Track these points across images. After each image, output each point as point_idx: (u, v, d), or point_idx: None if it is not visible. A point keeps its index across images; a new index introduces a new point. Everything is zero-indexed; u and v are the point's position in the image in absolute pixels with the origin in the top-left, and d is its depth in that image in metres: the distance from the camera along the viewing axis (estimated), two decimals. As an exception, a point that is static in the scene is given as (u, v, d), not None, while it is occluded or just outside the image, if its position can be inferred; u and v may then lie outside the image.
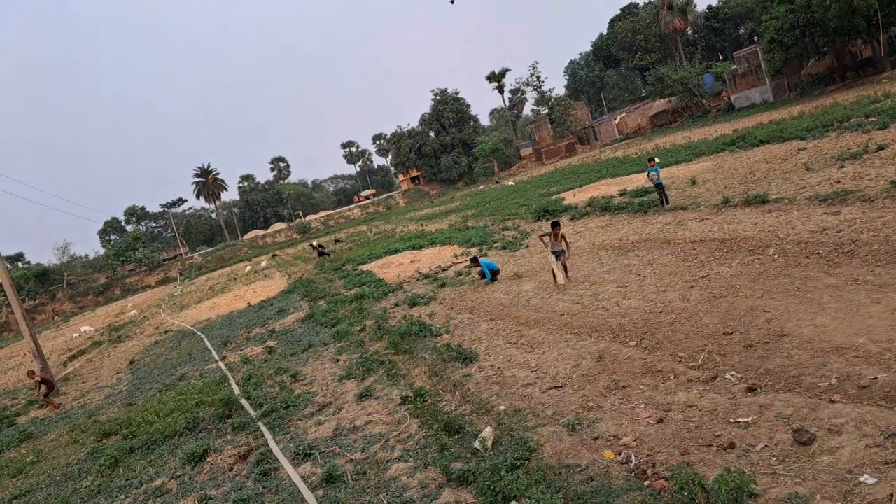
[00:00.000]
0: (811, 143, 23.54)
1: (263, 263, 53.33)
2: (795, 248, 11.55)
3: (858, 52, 51.25)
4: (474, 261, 17.53)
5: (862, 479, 4.94)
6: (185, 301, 44.11)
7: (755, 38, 60.95)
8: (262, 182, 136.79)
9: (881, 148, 18.24)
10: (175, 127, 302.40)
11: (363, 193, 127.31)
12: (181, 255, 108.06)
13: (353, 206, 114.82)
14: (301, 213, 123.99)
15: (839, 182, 15.61)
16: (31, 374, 19.43)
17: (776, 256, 11.50)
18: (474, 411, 8.43)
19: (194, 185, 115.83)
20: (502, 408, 8.25)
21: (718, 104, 64.69)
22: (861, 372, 6.55)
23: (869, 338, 7.21)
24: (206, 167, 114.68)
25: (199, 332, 24.45)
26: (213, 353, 18.86)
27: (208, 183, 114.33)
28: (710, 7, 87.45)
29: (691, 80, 66.51)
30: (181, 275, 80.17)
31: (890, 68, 42.82)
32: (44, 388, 18.51)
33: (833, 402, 6.17)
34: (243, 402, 11.95)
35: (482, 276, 16.96)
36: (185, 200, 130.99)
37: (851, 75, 47.69)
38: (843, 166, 17.47)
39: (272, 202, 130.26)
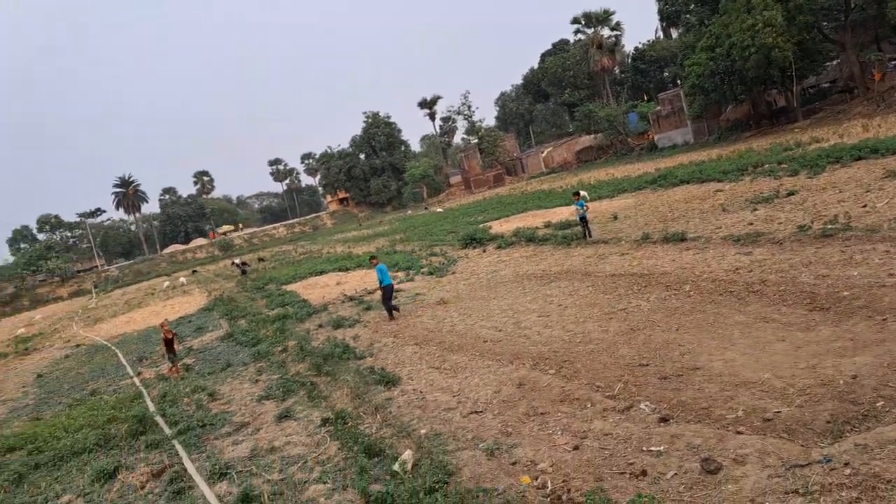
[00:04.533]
0: (727, 185, 24.78)
1: (182, 279, 51.52)
2: (710, 286, 12.11)
3: (774, 101, 54.49)
4: (373, 259, 17.50)
5: (762, 506, 5.21)
6: (99, 314, 42.14)
7: (678, 82, 63.73)
8: (185, 196, 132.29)
9: (791, 194, 19.31)
10: (96, 136, 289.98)
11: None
12: (97, 267, 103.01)
13: (278, 224, 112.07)
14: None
15: (752, 224, 16.50)
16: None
17: (692, 293, 12.03)
18: (395, 434, 8.42)
19: (114, 196, 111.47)
20: (423, 431, 8.28)
21: (642, 143, 67.33)
22: (766, 405, 6.91)
23: (774, 373, 7.63)
24: (126, 178, 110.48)
25: (113, 347, 23.40)
26: (128, 368, 18.11)
27: (128, 194, 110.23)
28: (636, 48, 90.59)
29: (617, 118, 69.04)
30: (95, 287, 76.44)
31: (802, 118, 45.41)
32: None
33: (739, 433, 6.47)
34: (158, 419, 11.53)
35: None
36: (104, 211, 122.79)
37: (766, 123, 50.33)
38: (755, 209, 18.45)
39: (194, 217, 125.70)
